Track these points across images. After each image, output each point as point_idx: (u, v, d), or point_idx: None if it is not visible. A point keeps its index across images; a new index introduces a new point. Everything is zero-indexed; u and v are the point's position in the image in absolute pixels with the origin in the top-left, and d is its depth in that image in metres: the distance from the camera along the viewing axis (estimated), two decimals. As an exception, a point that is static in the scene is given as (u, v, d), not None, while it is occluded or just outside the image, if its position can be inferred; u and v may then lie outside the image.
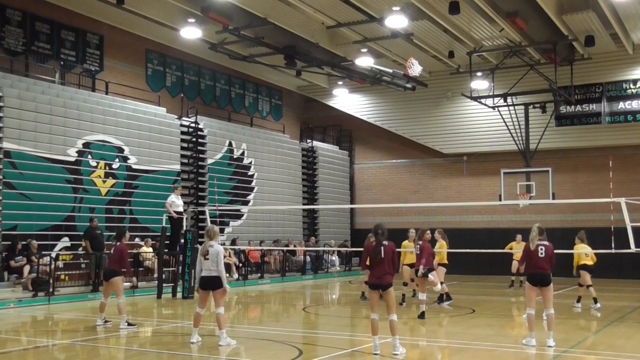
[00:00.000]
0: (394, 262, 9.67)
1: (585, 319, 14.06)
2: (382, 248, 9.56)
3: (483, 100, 24.59)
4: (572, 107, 25.90)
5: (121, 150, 20.58)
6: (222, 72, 27.36)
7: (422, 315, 13.50)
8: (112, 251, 12.66)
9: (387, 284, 9.54)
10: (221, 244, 19.26)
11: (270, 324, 14.02)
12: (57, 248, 18.29)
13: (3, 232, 17.20)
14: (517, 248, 19.97)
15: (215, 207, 21.39)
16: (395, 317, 9.52)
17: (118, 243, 12.54)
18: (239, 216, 25.05)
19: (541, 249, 10.52)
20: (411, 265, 15.97)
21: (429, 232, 15.22)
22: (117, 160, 20.43)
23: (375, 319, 9.53)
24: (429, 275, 14.07)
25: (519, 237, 20.71)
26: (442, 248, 16.11)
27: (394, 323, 9.47)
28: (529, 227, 12.89)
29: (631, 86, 25.16)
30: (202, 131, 24.16)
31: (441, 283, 15.94)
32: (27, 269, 16.69)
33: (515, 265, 20.76)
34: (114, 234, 13.02)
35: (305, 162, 29.61)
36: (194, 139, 23.86)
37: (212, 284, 10.60)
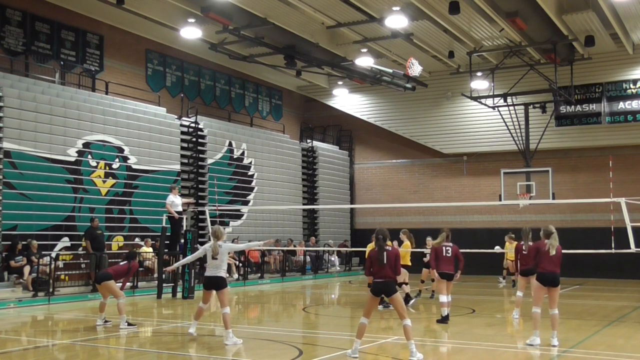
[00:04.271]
0: (397, 266, 9.52)
1: (585, 319, 14.05)
2: (385, 254, 9.43)
3: (483, 100, 24.60)
4: (572, 107, 25.90)
5: (121, 150, 20.57)
6: (222, 72, 27.35)
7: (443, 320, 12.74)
8: (121, 263, 13.00)
9: (392, 290, 9.40)
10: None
11: (270, 324, 14.00)
12: (57, 248, 18.29)
13: (3, 232, 17.20)
14: (509, 248, 20.02)
15: (215, 207, 21.40)
16: (409, 322, 9.24)
17: (132, 262, 12.83)
18: (239, 216, 25.04)
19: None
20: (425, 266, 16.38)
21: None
22: (117, 160, 20.42)
23: (364, 323, 9.37)
24: None
25: (512, 236, 20.69)
26: (405, 248, 15.98)
27: (407, 328, 9.18)
28: (529, 227, 12.85)
29: (631, 86, 25.15)
30: (202, 131, 24.15)
31: (405, 284, 15.85)
32: (27, 269, 16.68)
33: (511, 264, 20.72)
34: (126, 252, 13.36)
35: (305, 162, 29.60)
36: (194, 139, 23.85)
37: (215, 284, 10.63)
